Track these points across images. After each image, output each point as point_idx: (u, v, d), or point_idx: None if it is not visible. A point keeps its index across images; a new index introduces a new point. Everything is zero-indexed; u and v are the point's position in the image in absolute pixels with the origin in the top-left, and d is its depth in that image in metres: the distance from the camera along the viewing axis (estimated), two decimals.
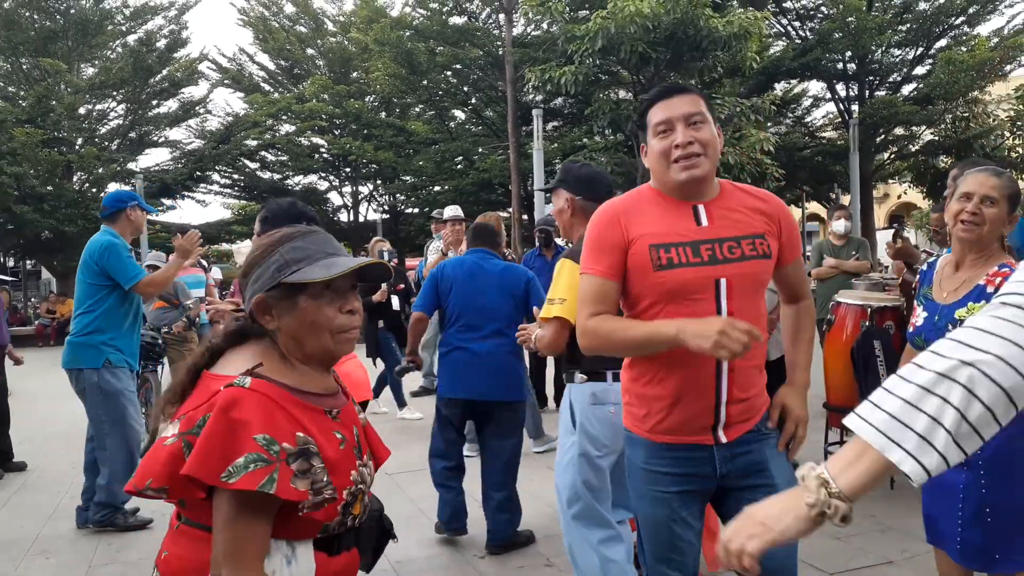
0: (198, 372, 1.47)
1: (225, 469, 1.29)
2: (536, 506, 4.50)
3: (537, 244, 7.17)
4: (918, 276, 2.72)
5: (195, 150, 22.37)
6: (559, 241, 7.18)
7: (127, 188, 19.81)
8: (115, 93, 21.34)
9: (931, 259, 2.70)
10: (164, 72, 21.46)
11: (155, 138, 22.52)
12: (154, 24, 21.82)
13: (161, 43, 21.57)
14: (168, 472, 1.33)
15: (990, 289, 2.35)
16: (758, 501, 1.28)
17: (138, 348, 4.54)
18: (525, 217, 18.53)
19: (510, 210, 19.65)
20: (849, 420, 1.09)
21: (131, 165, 21.32)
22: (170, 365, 6.99)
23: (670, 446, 2.03)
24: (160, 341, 6.67)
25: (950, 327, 2.38)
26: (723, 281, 1.96)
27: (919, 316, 2.58)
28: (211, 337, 1.57)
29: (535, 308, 3.30)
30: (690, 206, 2.02)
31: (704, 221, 2.01)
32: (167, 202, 22.22)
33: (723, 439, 2.03)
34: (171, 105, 22.45)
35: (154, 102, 22.08)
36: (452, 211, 7.06)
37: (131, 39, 21.72)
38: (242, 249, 7.06)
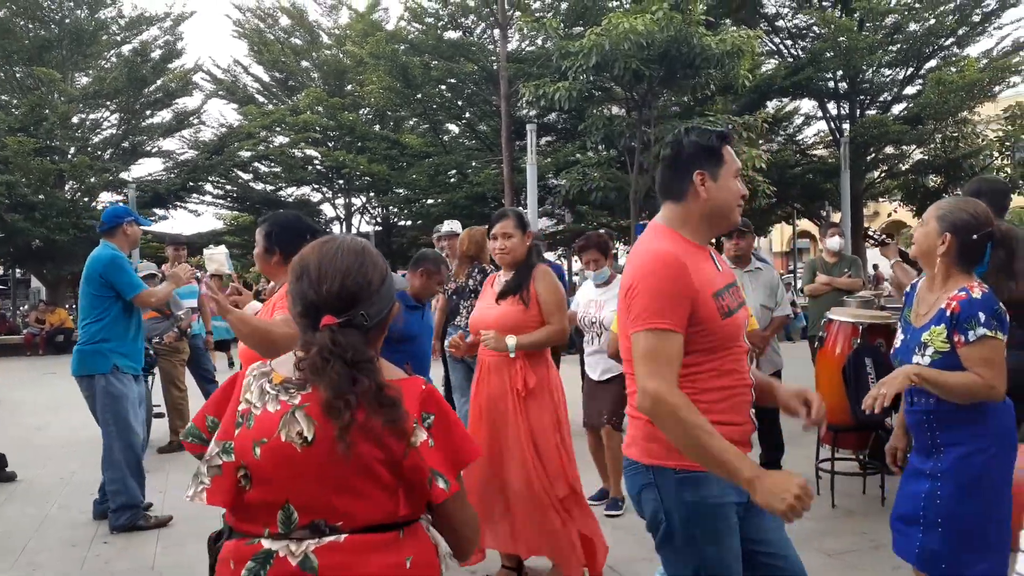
0: None
1: None
2: None
3: None
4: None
5: (188, 160, 22.33)
6: (550, 256, 7.24)
7: (120, 200, 19.79)
8: (109, 103, 21.32)
9: (915, 280, 2.76)
10: (158, 82, 21.44)
11: (148, 148, 22.47)
12: (149, 35, 21.84)
13: (156, 54, 21.56)
14: None
15: (948, 313, 2.40)
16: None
17: (142, 354, 4.80)
18: None
19: None
20: None
21: (124, 175, 21.25)
22: (161, 376, 6.95)
23: None
24: (151, 351, 6.64)
25: (917, 350, 2.48)
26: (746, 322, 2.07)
27: (898, 338, 2.67)
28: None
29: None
30: (708, 251, 2.07)
31: (720, 266, 2.07)
32: (159, 212, 22.15)
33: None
34: (165, 115, 22.43)
35: (148, 112, 22.05)
36: (448, 227, 7.09)
37: (126, 49, 21.72)
38: (215, 256, 6.97)
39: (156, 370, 6.91)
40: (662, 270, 1.91)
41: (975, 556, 2.39)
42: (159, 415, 7.02)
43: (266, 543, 1.40)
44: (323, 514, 1.40)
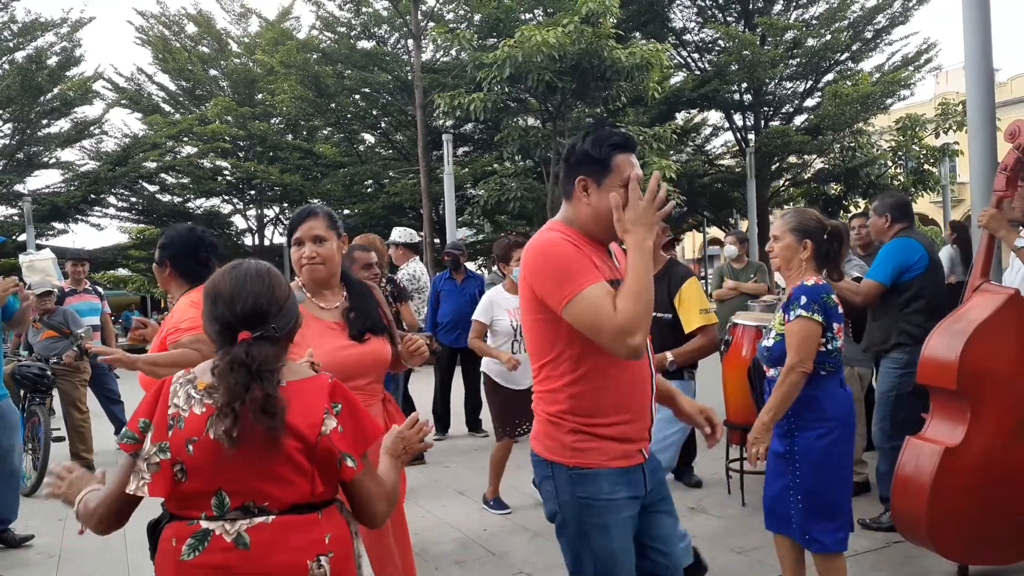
0: None
1: None
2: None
3: (448, 268, 7.25)
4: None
5: (89, 172, 21.34)
6: (471, 265, 7.31)
7: (15, 214, 18.78)
8: (1, 112, 20.22)
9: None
10: (55, 91, 20.42)
11: (45, 159, 21.39)
12: (44, 40, 20.75)
13: (52, 60, 20.57)
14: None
15: (785, 300, 2.90)
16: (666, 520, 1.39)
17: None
18: (437, 241, 18.52)
19: (422, 233, 19.59)
20: None
21: (18, 187, 20.17)
22: (61, 397, 6.61)
23: (624, 470, 2.09)
24: (49, 372, 6.31)
25: (765, 336, 3.03)
26: None
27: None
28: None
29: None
30: (603, 248, 2.17)
31: (618, 263, 2.19)
32: (58, 226, 21.13)
33: (646, 454, 2.16)
34: (63, 125, 21.38)
35: (44, 121, 20.99)
36: (393, 235, 7.24)
37: (19, 56, 20.64)
38: (36, 264, 6.63)
39: (55, 392, 6.57)
40: (552, 250, 2.03)
41: (833, 524, 2.83)
42: (59, 439, 6.68)
43: (204, 523, 1.62)
44: (252, 497, 1.62)
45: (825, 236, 2.91)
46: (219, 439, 1.58)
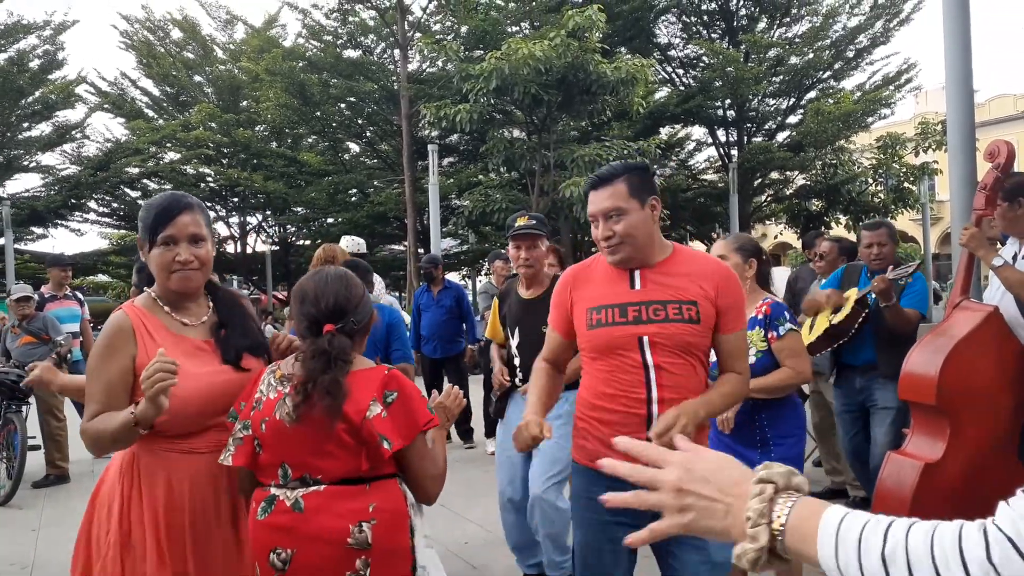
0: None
1: None
2: None
3: (424, 281, 7.32)
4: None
5: (70, 176, 21.16)
6: (455, 276, 7.35)
7: None
8: None
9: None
10: (37, 94, 20.26)
11: (26, 162, 21.18)
12: (27, 43, 20.60)
13: (34, 63, 20.40)
14: None
15: (760, 316, 3.01)
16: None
17: None
18: (421, 251, 18.52)
19: (406, 243, 19.56)
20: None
21: None
22: (38, 404, 6.51)
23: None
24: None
25: None
26: (645, 339, 2.21)
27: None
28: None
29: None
30: (628, 272, 2.29)
31: (637, 285, 2.27)
32: (38, 231, 20.90)
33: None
34: (44, 128, 21.19)
35: (25, 124, 20.80)
36: (341, 244, 7.07)
37: (1, 58, 20.46)
38: None
39: (32, 399, 6.48)
40: (556, 283, 2.49)
41: None
42: (34, 447, 6.58)
43: (272, 490, 1.94)
44: (308, 470, 1.92)
45: (764, 256, 3.19)
46: (282, 419, 1.89)
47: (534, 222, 3.69)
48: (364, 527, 1.88)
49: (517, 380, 3.73)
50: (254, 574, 1.96)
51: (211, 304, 2.18)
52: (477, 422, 7.16)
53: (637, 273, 2.28)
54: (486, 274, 11.88)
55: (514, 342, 3.74)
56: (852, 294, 4.23)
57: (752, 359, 2.94)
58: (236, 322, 2.16)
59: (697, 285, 2.23)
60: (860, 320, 4.16)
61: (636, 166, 2.31)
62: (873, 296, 4.11)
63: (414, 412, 1.95)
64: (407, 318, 7.43)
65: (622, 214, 2.22)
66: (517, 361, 3.71)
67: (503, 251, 8.22)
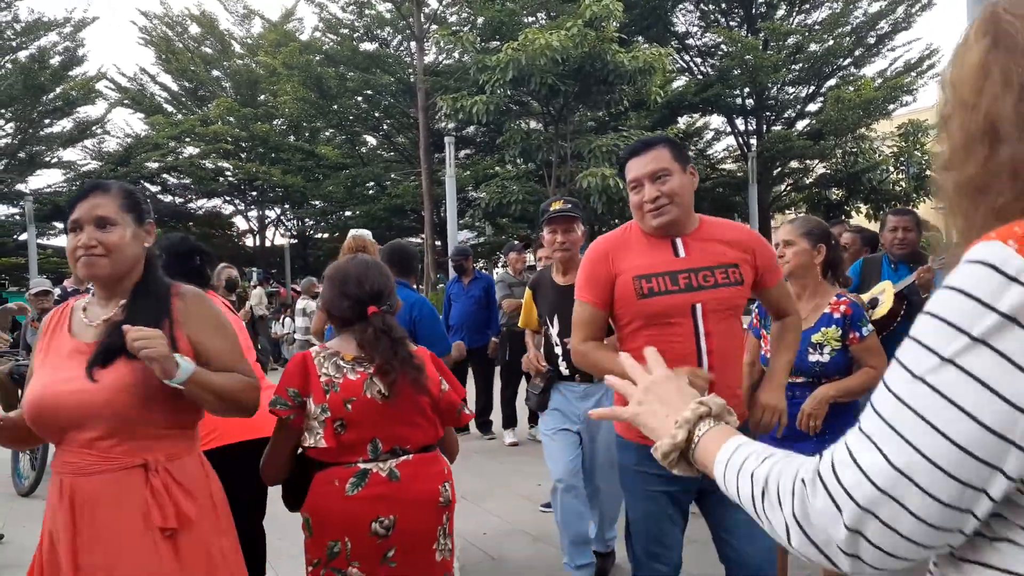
0: None
1: None
2: None
3: (455, 272, 7.41)
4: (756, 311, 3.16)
5: (91, 172, 21.40)
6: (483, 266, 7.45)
7: (16, 213, 18.77)
8: (3, 111, 20.25)
9: None
10: (58, 90, 20.48)
11: (47, 159, 21.44)
12: (48, 40, 20.82)
13: (55, 60, 20.61)
14: None
15: (836, 315, 2.87)
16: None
17: None
18: (438, 243, 18.52)
19: (423, 236, 19.59)
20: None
21: (20, 186, 20.20)
22: None
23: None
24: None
25: (810, 350, 2.88)
26: (699, 306, 2.25)
27: (763, 346, 3.06)
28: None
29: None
30: (669, 240, 2.30)
31: (682, 253, 2.29)
32: (59, 225, 21.12)
33: None
34: (65, 124, 21.44)
35: (46, 121, 21.04)
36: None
37: (22, 55, 20.68)
38: None
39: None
40: (586, 257, 2.41)
41: None
42: None
43: (362, 465, 2.06)
44: (398, 441, 2.10)
45: (834, 242, 3.01)
46: (374, 397, 2.05)
47: (569, 206, 3.65)
48: (447, 486, 2.17)
49: (563, 369, 3.56)
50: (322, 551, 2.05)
51: (123, 301, 1.87)
52: (495, 414, 7.15)
53: (679, 241, 2.30)
54: (503, 265, 11.91)
55: (554, 330, 3.61)
56: (888, 287, 4.16)
57: (825, 358, 2.88)
58: (133, 319, 1.78)
59: (734, 249, 2.31)
60: (901, 314, 4.09)
61: (672, 138, 2.42)
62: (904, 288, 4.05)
63: (455, 385, 2.27)
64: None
65: (669, 174, 2.27)
66: (559, 350, 3.56)
67: (517, 243, 8.23)
